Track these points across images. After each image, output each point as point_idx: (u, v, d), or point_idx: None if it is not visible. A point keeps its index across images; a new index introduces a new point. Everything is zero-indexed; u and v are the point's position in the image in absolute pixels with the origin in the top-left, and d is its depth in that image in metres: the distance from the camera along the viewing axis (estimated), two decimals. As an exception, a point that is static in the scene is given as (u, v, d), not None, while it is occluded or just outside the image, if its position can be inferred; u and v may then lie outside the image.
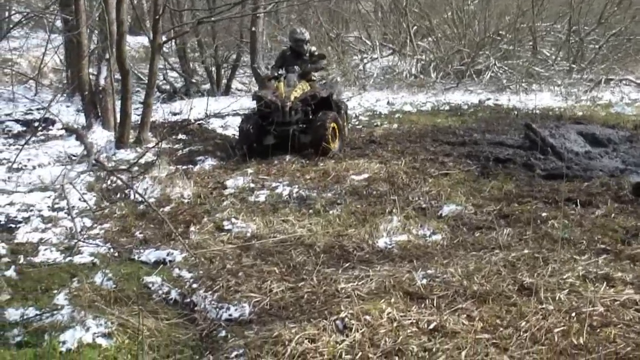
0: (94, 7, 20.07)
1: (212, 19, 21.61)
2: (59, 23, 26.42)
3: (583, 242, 10.10)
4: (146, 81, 21.71)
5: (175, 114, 21.91)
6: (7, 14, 25.60)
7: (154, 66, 17.97)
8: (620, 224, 10.89)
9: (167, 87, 26.58)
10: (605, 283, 8.52)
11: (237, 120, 19.90)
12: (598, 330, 7.37)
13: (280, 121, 15.70)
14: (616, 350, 6.92)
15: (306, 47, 17.05)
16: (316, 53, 17.43)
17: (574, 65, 29.15)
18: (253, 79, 26.03)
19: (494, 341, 7.25)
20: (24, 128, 20.34)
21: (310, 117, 16.03)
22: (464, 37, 29.91)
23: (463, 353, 6.97)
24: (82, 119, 18.83)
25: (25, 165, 15.58)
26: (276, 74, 16.31)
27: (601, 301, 7.99)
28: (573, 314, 7.71)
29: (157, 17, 17.74)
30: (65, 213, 12.37)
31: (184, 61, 27.42)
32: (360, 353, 7.11)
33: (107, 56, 17.95)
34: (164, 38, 18.75)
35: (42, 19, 29.70)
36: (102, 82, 18.59)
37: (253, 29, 22.67)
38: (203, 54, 27.55)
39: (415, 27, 30.33)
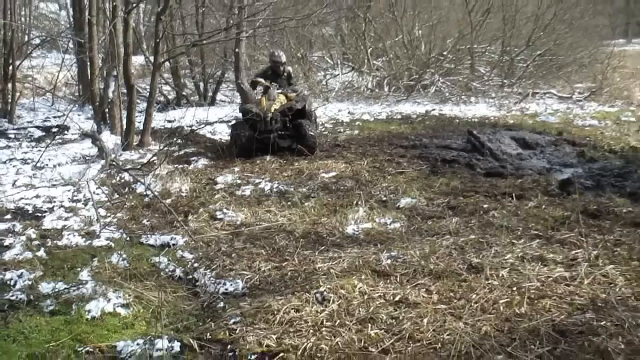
0: (100, 32, 20.10)
1: (204, 42, 21.76)
2: (70, 45, 26.56)
3: (519, 228, 10.23)
4: (144, 94, 21.84)
5: (169, 121, 21.96)
6: (27, 38, 25.59)
7: (154, 81, 18.10)
8: (550, 213, 11.01)
9: (162, 98, 26.55)
10: (539, 262, 8.70)
11: (223, 127, 20.08)
12: (536, 301, 7.54)
13: (263, 129, 15.86)
14: (552, 318, 7.08)
15: (282, 67, 17.18)
16: (292, 74, 17.66)
17: (505, 81, 29.27)
18: (235, 92, 26.14)
19: (450, 311, 7.40)
20: (44, 133, 20.46)
21: (288, 125, 16.24)
22: (413, 57, 29.97)
23: (425, 320, 7.10)
24: (92, 126, 18.85)
25: (47, 164, 15.62)
26: (265, 83, 16.47)
27: (537, 277, 8.17)
28: (514, 288, 7.89)
29: (158, 40, 17.91)
30: (83, 204, 12.52)
31: (176, 77, 27.50)
32: (338, 321, 7.25)
33: (115, 73, 18.04)
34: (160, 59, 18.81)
35: (56, 42, 29.81)
36: (110, 95, 18.69)
37: (237, 50, 22.72)
38: (193, 71, 27.66)
39: (371, 49, 30.31)
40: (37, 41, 27.26)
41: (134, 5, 18.03)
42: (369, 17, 29.67)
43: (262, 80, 16.71)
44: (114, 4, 17.52)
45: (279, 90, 16.49)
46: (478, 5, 29.60)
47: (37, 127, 21.60)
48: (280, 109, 16.14)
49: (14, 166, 15.78)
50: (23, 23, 25.92)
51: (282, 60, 17.24)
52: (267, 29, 25.49)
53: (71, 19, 27.82)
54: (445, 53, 29.74)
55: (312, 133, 16.41)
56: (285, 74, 17.20)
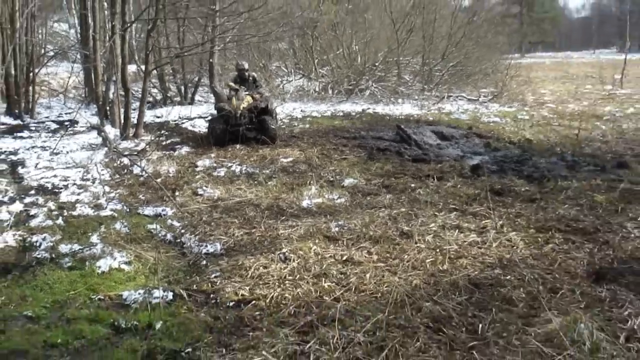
0: (101, 46, 20.06)
1: (185, 54, 21.82)
2: (78, 56, 26.64)
3: (440, 203, 10.37)
4: (137, 95, 21.81)
5: (157, 117, 21.93)
6: (43, 51, 25.53)
7: (145, 85, 18.14)
8: (464, 192, 11.17)
9: (151, 99, 26.36)
10: (457, 230, 8.89)
11: (202, 121, 20.13)
12: (455, 260, 7.70)
13: (234, 123, 15.98)
14: (468, 274, 7.25)
15: (247, 73, 17.23)
16: (257, 78, 17.73)
17: (425, 86, 29.36)
18: (210, 94, 26.14)
19: (387, 268, 7.53)
20: (58, 126, 20.35)
21: (254, 120, 16.32)
22: (351, 67, 30.00)
23: (367, 275, 7.22)
24: (96, 121, 18.85)
25: (61, 151, 15.51)
26: (235, 87, 16.52)
27: (455, 242, 8.36)
28: (438, 250, 8.06)
29: (148, 52, 18.03)
30: (91, 182, 12.49)
31: (162, 81, 27.34)
32: (298, 275, 7.37)
33: (114, 78, 18.04)
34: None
35: (67, 53, 29.86)
36: (110, 95, 18.69)
37: (211, 60, 22.78)
38: (175, 77, 27.54)
39: (317, 60, 30.31)
40: (52, 53, 27.21)
41: (129, 24, 18.00)
42: (316, 35, 29.66)
43: (232, 84, 16.77)
44: (113, 23, 17.52)
45: (247, 92, 16.54)
46: (403, 26, 29.76)
47: (53, 121, 21.48)
48: (248, 107, 16.21)
49: (35, 152, 15.66)
50: (40, 39, 25.72)
51: (245, 67, 17.33)
52: (235, 43, 25.45)
53: (78, 36, 27.74)
54: (377, 64, 29.80)
55: (273, 127, 16.52)
56: (250, 78, 17.22)
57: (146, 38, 18.42)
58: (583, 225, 9.23)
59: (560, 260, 7.74)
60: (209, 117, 19.24)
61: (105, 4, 20.95)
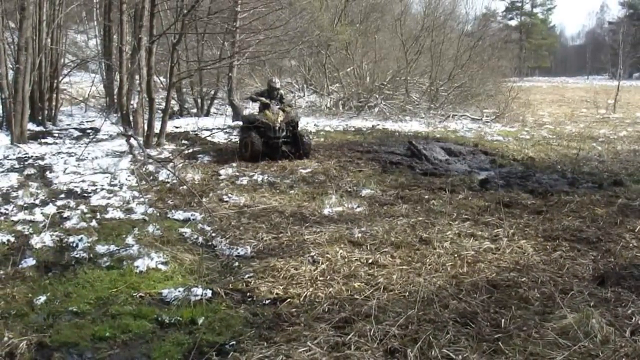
0: (126, 58, 20.36)
1: (208, 67, 22.08)
2: (96, 66, 27.00)
3: (454, 214, 10.67)
4: (158, 106, 22.06)
5: (176, 127, 22.08)
6: (63, 60, 25.64)
7: (169, 96, 18.48)
8: (475, 203, 11.52)
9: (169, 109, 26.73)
10: (472, 238, 9.21)
11: (220, 132, 20.35)
12: (473, 265, 8.01)
13: (273, 136, 16.05)
14: (486, 276, 7.55)
15: (277, 92, 17.24)
16: (283, 95, 17.83)
17: (432, 105, 29.62)
18: (225, 105, 26.47)
19: (411, 270, 7.81)
20: (80, 133, 20.71)
21: (288, 134, 16.40)
22: (362, 85, 30.28)
23: (394, 276, 7.52)
24: (120, 129, 19.05)
25: (86, 157, 15.74)
26: (266, 101, 16.64)
27: (472, 248, 8.67)
28: (456, 255, 8.36)
29: (172, 65, 18.29)
30: (119, 187, 12.75)
31: (180, 93, 27.60)
32: (328, 276, 7.62)
33: (139, 89, 18.32)
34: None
35: (86, 64, 30.20)
36: (134, 105, 18.95)
37: (230, 74, 23.13)
38: (193, 89, 27.79)
39: (329, 77, 30.61)
40: (74, 64, 27.42)
41: (157, 37, 18.26)
42: (329, 53, 29.94)
43: (263, 99, 16.86)
44: (140, 36, 17.83)
45: (278, 107, 16.70)
46: (412, 48, 30.23)
47: (75, 129, 21.85)
48: (284, 120, 16.32)
49: (62, 158, 15.93)
50: (62, 49, 25.87)
51: (277, 86, 17.30)
52: (254, 59, 25.69)
53: (99, 47, 28.09)
54: (385, 82, 30.09)
55: (308, 141, 16.70)
56: (278, 95, 17.22)
57: (171, 51, 18.65)
58: (586, 235, 9.63)
59: (568, 266, 8.12)
60: (226, 129, 19.37)
61: (125, 17, 21.26)
